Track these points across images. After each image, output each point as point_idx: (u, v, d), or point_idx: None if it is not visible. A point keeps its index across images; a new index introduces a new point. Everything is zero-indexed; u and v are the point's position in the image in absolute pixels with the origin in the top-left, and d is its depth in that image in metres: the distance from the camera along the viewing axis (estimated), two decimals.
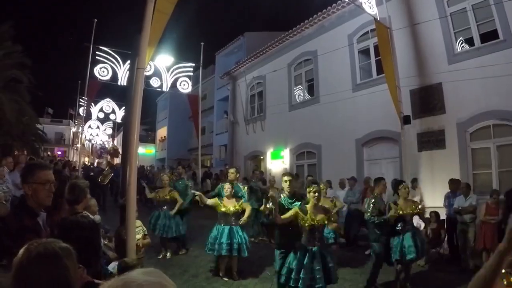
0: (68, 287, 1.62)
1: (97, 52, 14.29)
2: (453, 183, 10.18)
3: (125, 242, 4.82)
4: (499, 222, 8.39)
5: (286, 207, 6.45)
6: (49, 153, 42.41)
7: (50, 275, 1.61)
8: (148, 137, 46.55)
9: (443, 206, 10.21)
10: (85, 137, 29.21)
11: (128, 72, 12.97)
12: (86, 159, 39.64)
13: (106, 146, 36.63)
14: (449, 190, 10.21)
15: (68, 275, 1.67)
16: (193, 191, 9.72)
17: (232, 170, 9.21)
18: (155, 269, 1.14)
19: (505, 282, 3.89)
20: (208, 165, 29.37)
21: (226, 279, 8.08)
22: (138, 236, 5.52)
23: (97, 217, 4.84)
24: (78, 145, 28.39)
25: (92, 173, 18.12)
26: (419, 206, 7.98)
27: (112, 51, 14.29)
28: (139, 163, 13.25)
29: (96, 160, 33.72)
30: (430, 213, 10.16)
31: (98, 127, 29.28)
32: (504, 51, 10.22)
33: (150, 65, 14.17)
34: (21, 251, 1.68)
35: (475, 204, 9.12)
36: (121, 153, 12.10)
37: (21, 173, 3.19)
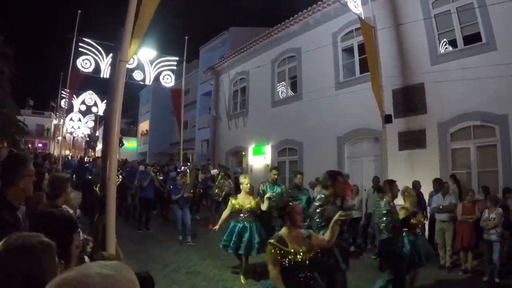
0: (40, 281, 1.60)
1: (80, 44, 14.19)
2: (437, 182, 10.20)
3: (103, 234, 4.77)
4: (476, 221, 8.50)
5: None
6: (29, 145, 41.85)
7: (24, 269, 1.59)
8: (130, 131, 46.11)
9: (427, 205, 10.25)
10: (67, 130, 28.87)
11: (111, 65, 12.86)
12: (67, 151, 39.18)
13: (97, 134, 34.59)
14: (432, 189, 10.22)
15: (42, 270, 1.65)
16: None
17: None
18: (118, 262, 1.11)
19: None
20: (190, 160, 29.26)
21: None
22: None
23: (77, 212, 4.80)
24: (59, 138, 27.96)
25: (89, 176, 13.86)
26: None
27: (96, 43, 14.19)
28: (120, 157, 12.98)
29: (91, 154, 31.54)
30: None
31: (79, 120, 28.92)
32: (487, 54, 10.37)
33: (134, 58, 14.07)
34: (0, 243, 1.66)
35: (455, 202, 9.19)
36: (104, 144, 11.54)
37: (11, 166, 3.11)
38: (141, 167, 16.32)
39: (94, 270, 0.98)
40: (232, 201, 8.13)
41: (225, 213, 8.26)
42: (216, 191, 13.00)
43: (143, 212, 13.08)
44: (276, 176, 9.35)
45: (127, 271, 1.04)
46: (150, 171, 13.85)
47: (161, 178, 14.94)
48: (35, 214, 3.30)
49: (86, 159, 24.70)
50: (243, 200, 8.05)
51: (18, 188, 2.95)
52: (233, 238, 7.75)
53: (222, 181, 13.07)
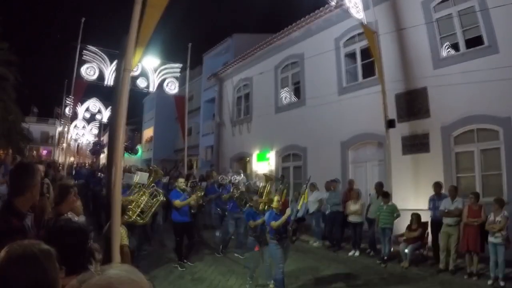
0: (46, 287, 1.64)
1: (84, 52, 14.25)
2: (436, 186, 10.21)
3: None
4: (481, 224, 8.49)
5: None
6: (34, 152, 41.96)
7: (28, 277, 1.62)
8: (134, 137, 46.10)
9: (428, 209, 10.23)
10: (71, 137, 28.94)
11: (115, 72, 12.93)
12: (72, 158, 39.26)
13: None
14: (433, 193, 10.23)
15: (46, 277, 1.68)
16: None
17: None
18: (129, 266, 1.16)
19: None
20: (194, 166, 29.24)
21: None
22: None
23: (81, 218, 4.82)
24: (64, 145, 28.01)
25: (101, 188, 12.61)
26: None
27: (100, 50, 14.26)
28: (125, 164, 12.91)
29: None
30: (412, 214, 10.23)
31: (84, 127, 29.01)
32: (489, 57, 10.36)
33: (138, 66, 14.11)
34: (2, 252, 1.69)
35: (461, 207, 9.12)
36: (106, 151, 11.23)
37: (21, 176, 3.15)
38: (164, 179, 13.68)
39: (113, 271, 1.04)
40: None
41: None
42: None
43: (181, 241, 9.73)
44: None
45: (140, 274, 1.09)
46: (183, 186, 10.18)
47: (202, 194, 11.43)
48: (53, 226, 3.35)
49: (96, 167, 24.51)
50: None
51: (25, 197, 2.99)
52: None
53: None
